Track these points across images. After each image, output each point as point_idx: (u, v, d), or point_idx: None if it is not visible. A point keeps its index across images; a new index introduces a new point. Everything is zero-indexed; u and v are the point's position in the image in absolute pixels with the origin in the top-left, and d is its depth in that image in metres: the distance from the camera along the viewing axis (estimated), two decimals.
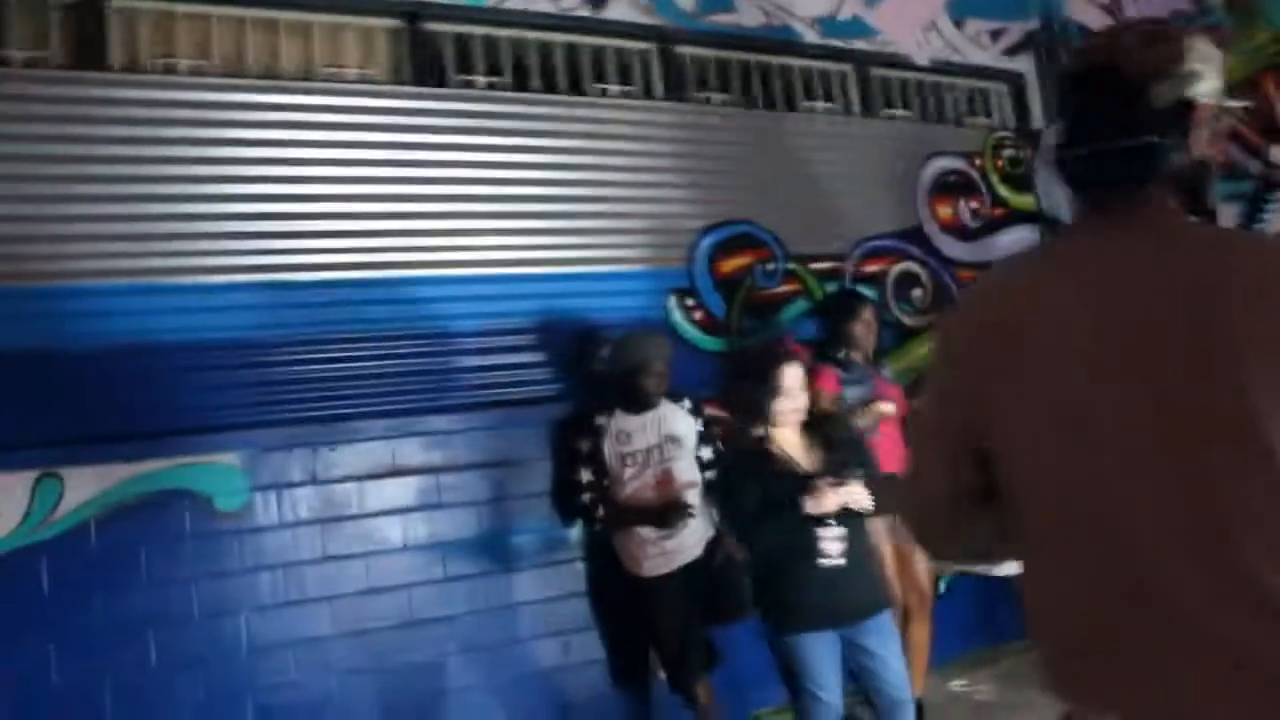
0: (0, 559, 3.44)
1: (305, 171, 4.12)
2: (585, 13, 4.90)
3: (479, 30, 4.72)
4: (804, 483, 3.35)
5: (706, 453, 4.37)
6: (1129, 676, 1.26)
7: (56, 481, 3.57)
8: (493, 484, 4.27)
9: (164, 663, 3.60)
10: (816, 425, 3.58)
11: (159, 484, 3.71)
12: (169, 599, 3.65)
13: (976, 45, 6.27)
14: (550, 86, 4.86)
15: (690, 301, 4.94)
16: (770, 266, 5.21)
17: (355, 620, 3.91)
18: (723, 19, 5.31)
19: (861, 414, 4.34)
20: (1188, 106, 1.40)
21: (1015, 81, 6.44)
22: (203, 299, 3.86)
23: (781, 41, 5.52)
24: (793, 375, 3.52)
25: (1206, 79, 1.43)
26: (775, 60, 5.56)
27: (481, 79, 4.69)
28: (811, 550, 3.34)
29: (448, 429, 4.21)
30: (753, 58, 5.48)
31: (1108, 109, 1.41)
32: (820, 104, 5.69)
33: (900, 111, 6.03)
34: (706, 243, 5.03)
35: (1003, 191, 6.19)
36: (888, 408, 4.45)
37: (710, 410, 4.66)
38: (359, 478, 4.03)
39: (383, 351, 4.17)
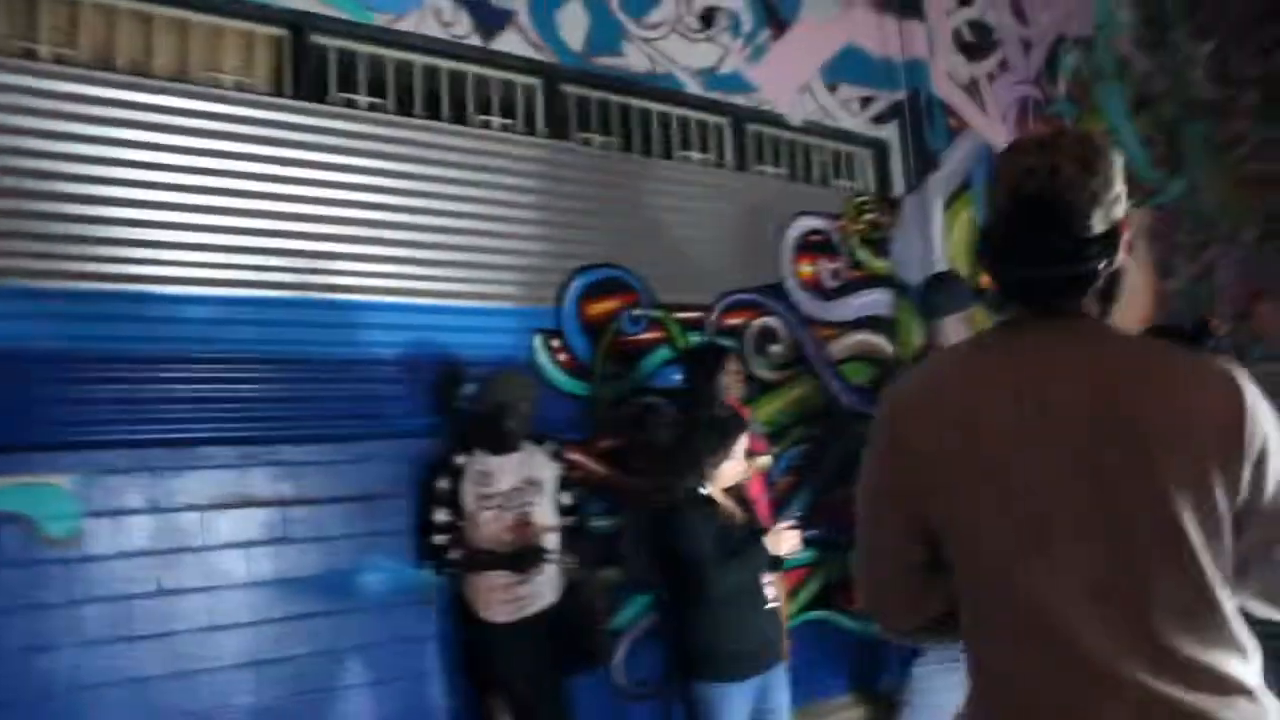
0: None
1: (165, 178, 3.88)
2: (476, 41, 4.81)
3: (365, 48, 4.56)
4: (754, 531, 3.66)
5: (566, 498, 4.34)
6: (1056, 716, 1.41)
7: None
8: (347, 519, 4.10)
9: None
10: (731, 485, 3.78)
11: None
12: None
13: (846, 110, 6.46)
14: (433, 113, 4.74)
15: (556, 343, 4.88)
16: (636, 312, 5.21)
17: (190, 660, 3.67)
18: (609, 62, 5.30)
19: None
20: (1117, 224, 1.52)
21: (880, 148, 6.65)
22: (37, 305, 3.58)
23: (664, 89, 5.54)
24: (743, 439, 3.73)
25: (1124, 192, 1.55)
26: (656, 107, 5.58)
27: (364, 99, 4.54)
28: (758, 595, 3.57)
29: (303, 460, 4.03)
30: (635, 102, 5.49)
31: (1050, 239, 1.49)
32: (696, 154, 5.75)
33: (770, 168, 6.14)
34: (577, 284, 4.99)
35: (861, 255, 6.38)
36: (766, 460, 4.52)
37: (576, 456, 4.64)
38: (203, 507, 3.80)
39: (236, 374, 3.96)
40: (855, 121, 6.51)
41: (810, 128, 6.27)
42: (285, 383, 4.07)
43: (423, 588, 4.23)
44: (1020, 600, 1.42)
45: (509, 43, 4.91)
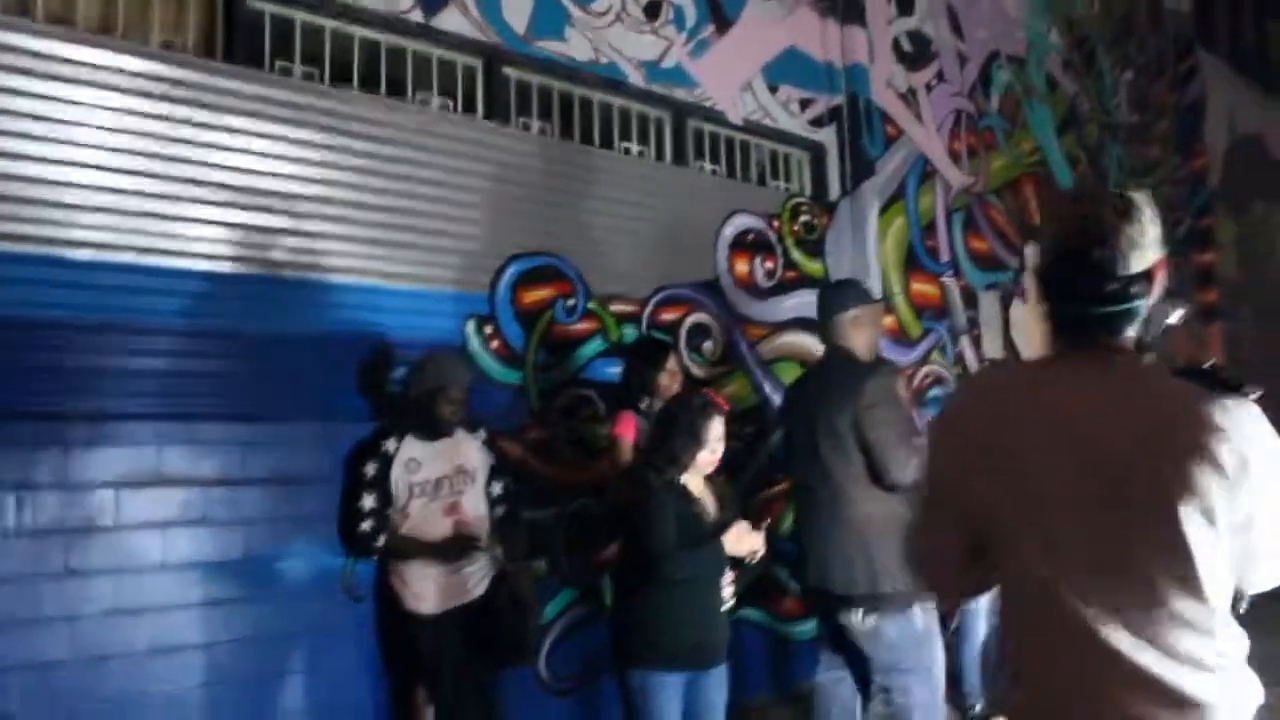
0: None
1: (83, 136, 3.66)
2: (418, 17, 4.67)
3: (302, 15, 4.40)
4: (721, 525, 3.54)
5: (497, 488, 4.22)
6: (1084, 698, 1.64)
7: None
8: (269, 503, 3.91)
9: None
10: (712, 479, 3.66)
11: None
12: None
13: (786, 111, 6.45)
14: (370, 88, 4.59)
15: (489, 329, 4.76)
16: (571, 302, 5.10)
17: (97, 645, 3.46)
18: (552, 46, 5.20)
19: None
20: (1153, 266, 1.73)
21: (817, 150, 6.66)
22: None
23: (606, 79, 5.46)
24: (718, 428, 3.57)
25: (1159, 237, 1.75)
26: (597, 96, 5.50)
27: (299, 67, 4.37)
28: (712, 593, 3.47)
29: (224, 439, 3.84)
30: (576, 90, 5.40)
31: (1095, 280, 1.72)
32: (635, 146, 5.67)
33: (709, 165, 6.10)
34: (511, 271, 4.87)
35: (796, 255, 6.37)
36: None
37: (506, 444, 4.52)
38: (116, 485, 3.59)
39: (156, 347, 3.75)
40: (794, 123, 6.51)
41: (749, 127, 6.24)
42: (209, 358, 3.87)
43: (345, 576, 4.07)
44: (1062, 610, 1.64)
45: (451, 21, 4.78)
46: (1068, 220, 1.76)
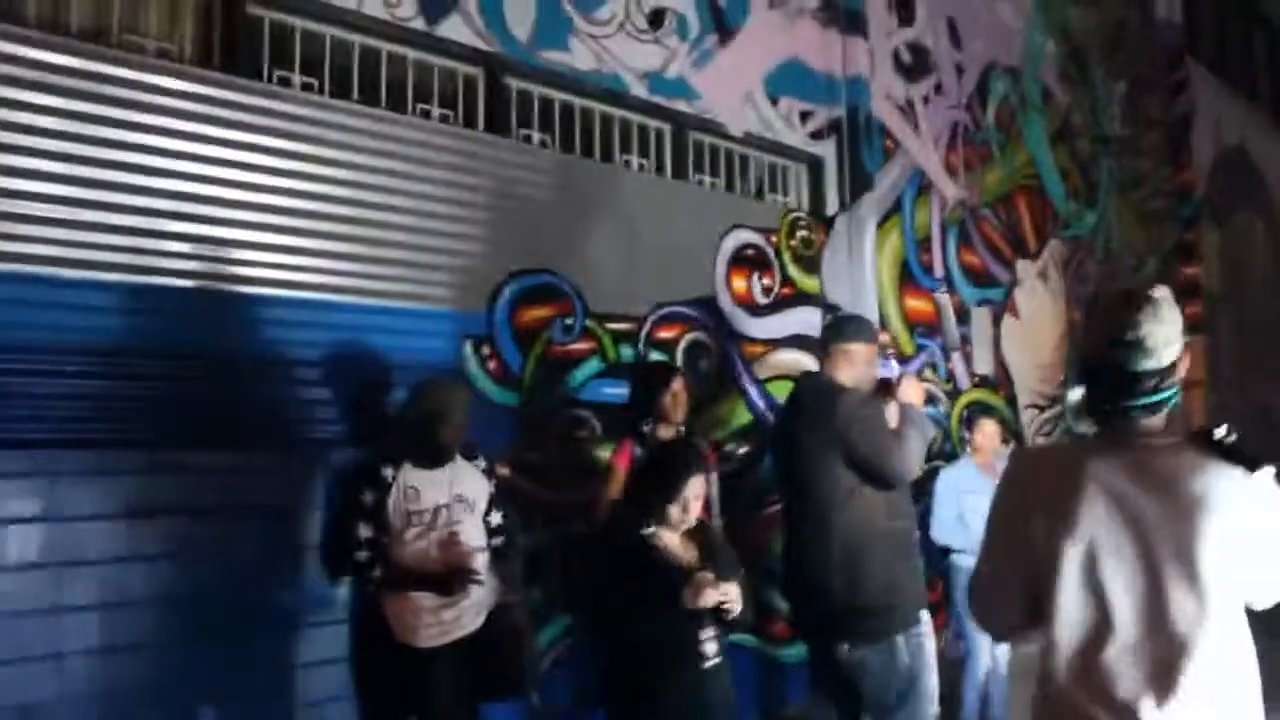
0: None
1: (69, 148, 3.48)
2: (420, 25, 4.52)
3: (302, 23, 4.24)
4: (684, 578, 3.28)
5: (496, 518, 4.10)
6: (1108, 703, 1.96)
7: None
8: (258, 533, 3.78)
9: None
10: (695, 531, 3.47)
11: None
12: None
13: (786, 124, 6.34)
14: (370, 99, 4.44)
15: (486, 350, 4.63)
16: (569, 322, 4.98)
17: (83, 683, 3.31)
18: (555, 56, 5.06)
19: None
20: (1179, 357, 2.06)
21: (815, 164, 6.56)
22: None
23: (608, 89, 5.33)
24: (698, 486, 3.40)
25: (1180, 328, 2.07)
26: (599, 107, 5.37)
27: (298, 78, 4.22)
28: (691, 651, 3.26)
29: (210, 467, 3.69)
30: (578, 101, 5.26)
31: (1136, 373, 2.03)
32: (636, 159, 5.55)
33: (708, 178, 5.99)
34: (509, 290, 4.74)
35: (793, 271, 6.27)
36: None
37: (503, 470, 4.39)
38: (104, 516, 3.44)
39: (131, 370, 3.58)
40: (793, 136, 6.40)
41: (749, 139, 6.13)
42: (190, 381, 3.72)
43: (335, 607, 3.94)
44: (1089, 633, 1.99)
45: (453, 29, 4.63)
46: (1114, 325, 2.05)
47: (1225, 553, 1.92)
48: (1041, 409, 8.33)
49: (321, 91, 4.29)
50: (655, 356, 5.25)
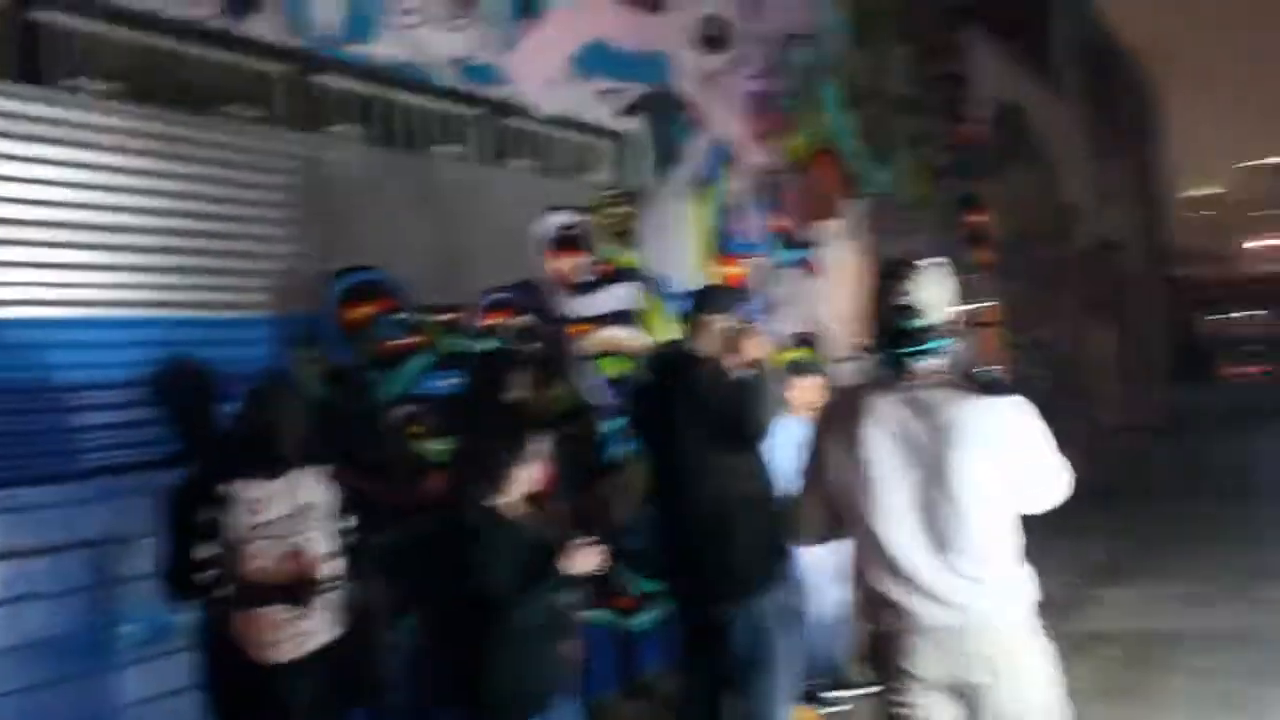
0: None
1: None
2: (221, 25, 4.35)
3: (97, 27, 4.03)
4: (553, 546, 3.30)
5: (344, 522, 4.05)
6: (899, 606, 2.61)
7: None
8: (90, 567, 3.64)
9: None
10: (536, 498, 3.49)
11: None
12: None
13: (594, 103, 6.40)
14: (174, 102, 4.26)
15: (315, 353, 4.55)
16: (397, 316, 4.93)
17: None
18: (363, 49, 4.96)
19: None
20: (951, 317, 2.68)
21: (625, 141, 6.67)
22: None
23: (418, 80, 5.27)
24: (541, 442, 3.41)
25: (955, 293, 2.72)
26: (411, 98, 5.30)
27: (94, 84, 4.01)
28: (568, 620, 3.34)
29: (39, 503, 3.53)
30: (389, 93, 5.19)
31: (906, 329, 2.65)
32: (450, 148, 5.52)
33: (522, 162, 6.00)
34: (334, 289, 4.66)
35: (609, 248, 6.35)
36: None
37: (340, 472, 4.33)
38: None
39: None
40: (602, 114, 6.47)
41: (559, 120, 6.17)
42: (7, 415, 3.54)
43: (181, 633, 3.84)
44: (874, 535, 2.62)
45: (257, 27, 4.49)
46: (890, 290, 2.67)
47: (976, 465, 2.53)
48: (855, 361, 8.73)
49: (119, 98, 4.10)
50: (486, 345, 5.26)
